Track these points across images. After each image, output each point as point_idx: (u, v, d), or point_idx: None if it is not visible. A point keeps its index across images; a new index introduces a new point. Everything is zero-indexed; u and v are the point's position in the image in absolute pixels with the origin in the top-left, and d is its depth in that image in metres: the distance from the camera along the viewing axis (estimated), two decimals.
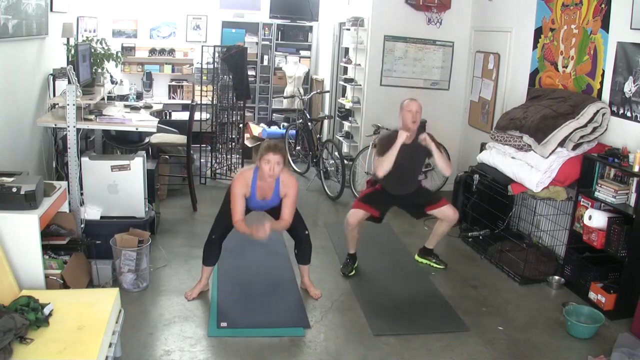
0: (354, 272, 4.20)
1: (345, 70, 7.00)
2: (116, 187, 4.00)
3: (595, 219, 3.78)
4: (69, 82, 3.49)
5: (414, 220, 4.67)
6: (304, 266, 3.84)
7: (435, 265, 4.42)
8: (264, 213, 3.76)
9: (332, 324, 3.48)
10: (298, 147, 7.04)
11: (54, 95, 5.24)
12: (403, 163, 3.97)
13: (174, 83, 8.27)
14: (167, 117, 7.22)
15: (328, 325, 3.46)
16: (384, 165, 3.93)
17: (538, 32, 4.95)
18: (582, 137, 4.05)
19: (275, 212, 3.65)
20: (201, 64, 6.75)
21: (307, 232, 3.75)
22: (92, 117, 4.63)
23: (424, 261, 4.47)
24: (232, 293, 3.78)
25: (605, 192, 3.76)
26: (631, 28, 3.88)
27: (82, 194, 3.86)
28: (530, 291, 4.09)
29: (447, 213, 4.17)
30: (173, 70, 8.25)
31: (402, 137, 3.93)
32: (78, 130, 3.68)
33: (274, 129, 7.69)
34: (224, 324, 3.36)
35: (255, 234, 3.38)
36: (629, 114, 3.94)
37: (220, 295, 3.73)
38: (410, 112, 3.95)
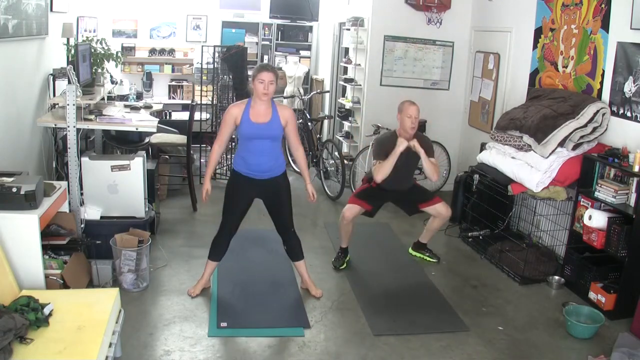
0: (345, 265, 4.26)
1: (345, 70, 7.00)
2: (116, 187, 4.00)
3: (595, 219, 3.78)
4: (69, 82, 3.49)
5: (414, 220, 4.67)
6: (299, 263, 3.82)
7: (428, 258, 4.50)
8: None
9: (332, 324, 3.48)
10: None
11: (54, 95, 5.24)
12: (398, 164, 4.03)
13: (174, 83, 8.26)
14: (167, 117, 7.21)
15: (328, 325, 3.46)
16: (384, 171, 4.01)
17: (538, 32, 4.95)
18: (582, 137, 4.05)
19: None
20: (201, 64, 6.75)
21: (292, 230, 3.74)
22: (92, 117, 4.63)
23: (418, 254, 4.56)
24: (232, 293, 3.78)
25: (605, 192, 3.76)
26: (631, 28, 3.88)
27: (82, 194, 3.86)
28: (530, 291, 4.09)
29: (440, 210, 4.25)
30: (173, 70, 8.25)
31: (403, 145, 3.99)
32: (78, 130, 3.68)
33: None
34: (224, 324, 3.36)
35: (203, 189, 3.56)
36: (629, 114, 3.93)
37: (220, 295, 3.73)
38: (409, 119, 4.00)
